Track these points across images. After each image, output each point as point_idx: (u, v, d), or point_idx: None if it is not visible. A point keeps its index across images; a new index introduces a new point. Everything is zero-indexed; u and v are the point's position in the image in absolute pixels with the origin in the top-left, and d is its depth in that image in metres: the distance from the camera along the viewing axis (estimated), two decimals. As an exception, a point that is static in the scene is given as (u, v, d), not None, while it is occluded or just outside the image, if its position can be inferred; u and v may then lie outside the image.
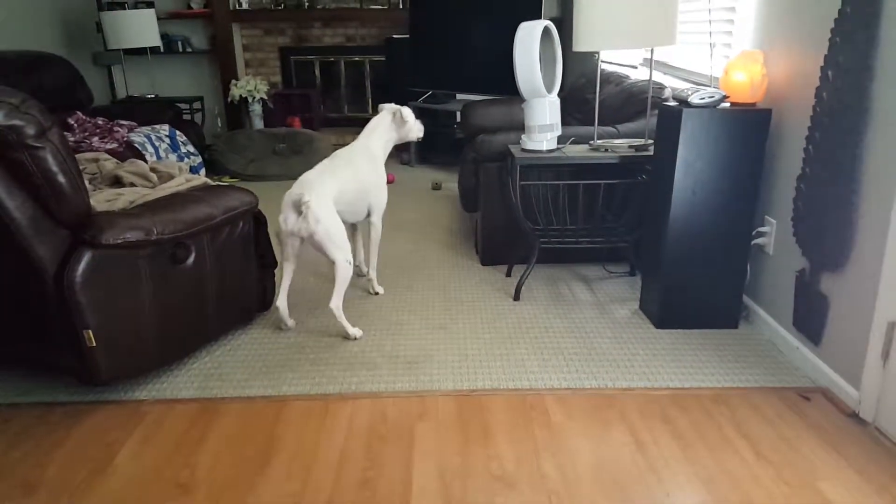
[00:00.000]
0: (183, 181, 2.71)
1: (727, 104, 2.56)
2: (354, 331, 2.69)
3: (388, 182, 5.54)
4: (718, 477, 1.87)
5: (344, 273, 2.63)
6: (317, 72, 6.92)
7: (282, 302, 2.72)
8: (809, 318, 2.37)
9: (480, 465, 1.92)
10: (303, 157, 5.89)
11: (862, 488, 1.81)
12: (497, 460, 1.94)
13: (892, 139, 1.95)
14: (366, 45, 6.77)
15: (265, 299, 2.87)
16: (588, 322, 2.81)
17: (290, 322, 2.79)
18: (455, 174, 4.51)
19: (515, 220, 3.15)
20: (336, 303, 2.64)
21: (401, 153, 6.45)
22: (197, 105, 6.40)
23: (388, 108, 3.17)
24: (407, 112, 3.12)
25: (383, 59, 6.63)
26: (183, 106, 6.00)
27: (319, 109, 6.79)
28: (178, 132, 5.01)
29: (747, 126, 2.52)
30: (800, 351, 2.44)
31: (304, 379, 2.39)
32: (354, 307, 2.98)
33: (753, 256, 2.74)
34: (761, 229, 2.68)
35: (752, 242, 2.68)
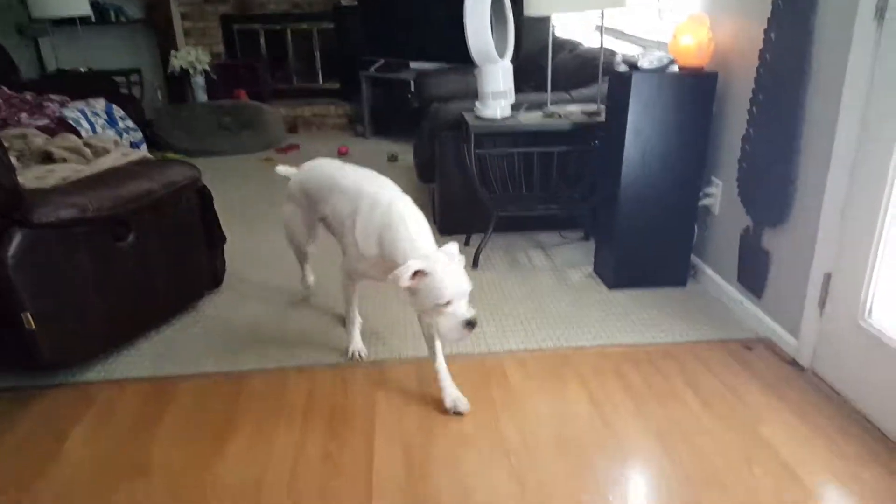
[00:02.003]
0: (119, 156, 2.61)
1: (675, 68, 2.61)
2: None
3: (342, 154, 5.53)
4: (668, 428, 1.95)
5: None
6: (262, 41, 6.73)
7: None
8: (752, 274, 2.47)
9: (441, 430, 1.95)
10: (252, 132, 5.76)
11: (800, 430, 1.92)
12: (457, 424, 1.98)
13: (829, 100, 2.02)
14: (313, 12, 6.60)
15: (216, 277, 2.83)
16: (544, 287, 2.86)
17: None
18: (411, 145, 4.47)
19: (472, 189, 3.16)
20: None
21: (355, 125, 6.38)
22: (134, 78, 6.15)
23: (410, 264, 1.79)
24: (404, 275, 1.76)
25: (332, 26, 6.49)
26: (119, 79, 5.75)
27: (267, 81, 6.62)
28: (115, 107, 4.81)
29: (694, 89, 2.57)
30: (743, 305, 2.54)
31: (262, 355, 2.37)
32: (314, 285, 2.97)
33: (700, 217, 2.83)
34: (708, 190, 2.76)
35: (700, 203, 2.77)
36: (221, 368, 2.29)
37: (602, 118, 2.95)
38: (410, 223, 1.93)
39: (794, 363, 2.24)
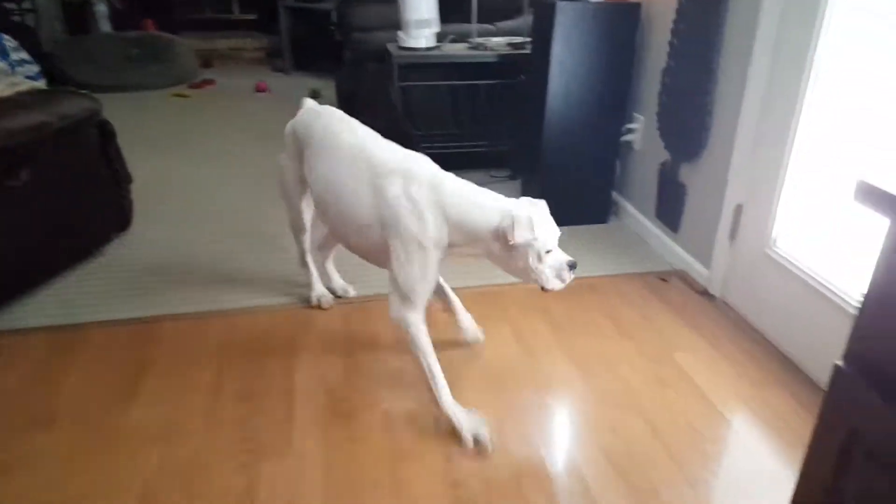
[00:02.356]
0: (5, 86, 2.38)
1: (599, -1, 2.57)
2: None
3: (260, 91, 5.28)
4: (588, 357, 2.01)
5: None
6: (172, -33, 6.27)
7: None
8: (670, 208, 2.53)
9: (367, 368, 1.94)
10: (163, 66, 5.40)
11: (711, 355, 2.01)
12: (384, 361, 1.97)
13: (745, 29, 2.04)
14: (226, -63, 6.18)
15: (124, 218, 2.67)
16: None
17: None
18: (334, 80, 4.31)
19: (398, 126, 3.08)
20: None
21: (275, 59, 6.07)
22: (27, 5, 5.62)
23: (494, 208, 1.60)
24: (522, 228, 1.53)
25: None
26: (10, 6, 5.24)
27: (178, 10, 6.19)
28: (6, 37, 4.40)
29: (618, 19, 2.55)
30: (661, 239, 2.62)
31: (175, 299, 2.27)
32: (219, 226, 2.85)
33: (622, 153, 2.86)
34: (630, 126, 2.78)
35: (622, 139, 2.79)
36: (132, 314, 2.18)
37: (528, 50, 2.90)
38: (466, 186, 1.67)
39: (705, 293, 2.33)
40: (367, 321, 2.17)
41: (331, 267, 2.29)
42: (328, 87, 4.85)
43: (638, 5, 2.55)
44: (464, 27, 3.17)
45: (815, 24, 1.78)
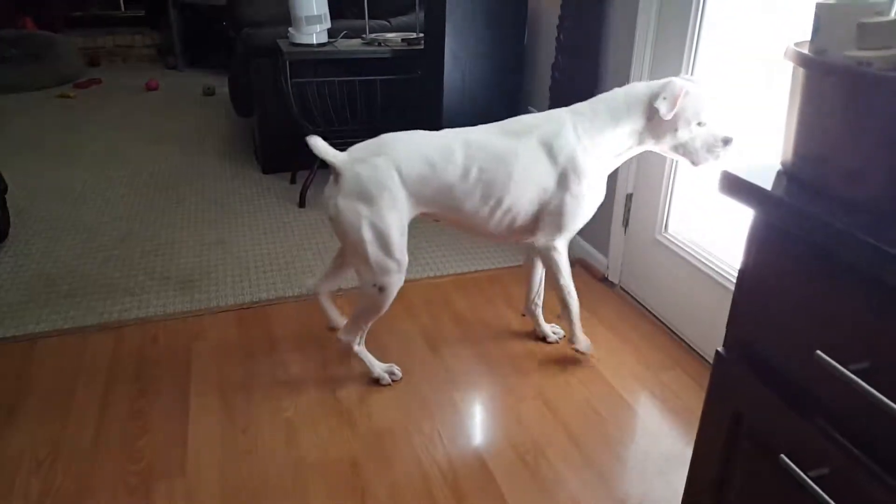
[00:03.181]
0: None
1: (489, -6, 2.58)
2: (380, 370, 1.86)
3: (151, 89, 5.00)
4: (491, 349, 2.02)
5: (370, 302, 1.72)
6: (48, -39, 5.83)
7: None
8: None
9: (265, 374, 1.87)
10: (43, 65, 5.03)
11: (611, 341, 2.07)
12: (282, 367, 1.90)
13: (624, 28, 2.10)
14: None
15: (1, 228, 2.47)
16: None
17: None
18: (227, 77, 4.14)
19: (295, 123, 2.99)
20: (347, 336, 1.81)
21: (166, 56, 5.78)
22: None
23: (641, 86, 1.67)
24: (672, 97, 1.58)
25: (130, -55, 5.76)
26: None
27: (58, 7, 5.78)
28: None
29: (507, 15, 2.58)
30: (562, 229, 2.67)
31: (57, 314, 2.11)
32: (106, 235, 2.68)
33: (522, 145, 2.89)
34: (527, 118, 2.82)
35: (520, 131, 2.82)
36: (10, 332, 2.01)
37: (422, 46, 2.88)
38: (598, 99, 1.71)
39: (605, 280, 2.40)
40: (266, 326, 2.09)
41: (329, 302, 2.01)
42: (222, 83, 4.66)
43: (525, 2, 2.59)
44: (357, 23, 3.11)
45: (691, 19, 1.85)
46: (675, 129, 1.62)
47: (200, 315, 2.14)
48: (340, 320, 1.97)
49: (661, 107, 1.57)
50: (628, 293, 2.31)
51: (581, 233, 2.53)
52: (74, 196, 3.03)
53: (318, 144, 1.61)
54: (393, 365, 1.88)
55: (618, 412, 1.77)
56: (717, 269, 1.88)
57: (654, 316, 2.18)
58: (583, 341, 1.94)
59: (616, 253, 2.33)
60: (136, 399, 1.76)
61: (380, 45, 2.91)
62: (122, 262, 2.44)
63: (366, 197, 1.60)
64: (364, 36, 2.99)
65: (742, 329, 0.89)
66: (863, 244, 0.65)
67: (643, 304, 2.24)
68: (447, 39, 2.52)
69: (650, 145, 1.69)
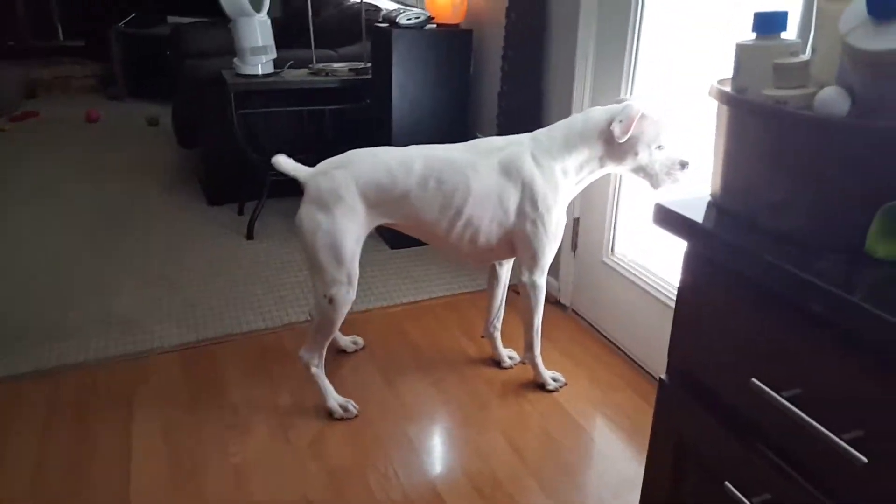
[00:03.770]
0: None
1: (434, 25, 2.61)
2: (334, 402, 1.84)
3: (92, 120, 4.87)
4: (445, 375, 2.01)
5: (322, 315, 1.73)
6: (-20, -9, 5.67)
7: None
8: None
9: (212, 417, 1.81)
10: (-25, 97, 4.86)
11: (565, 365, 2.08)
12: (230, 409, 1.85)
13: (565, 55, 2.15)
14: (45, -42, 5.69)
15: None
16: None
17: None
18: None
19: (241, 154, 2.94)
20: (307, 355, 1.80)
21: (108, 86, 5.65)
22: None
23: (600, 111, 1.69)
24: (628, 120, 1.59)
25: (69, -25, 5.65)
26: None
27: (-9, 37, 5.61)
28: None
29: (452, 46, 2.61)
30: (513, 254, 2.69)
31: (-11, 361, 2.01)
32: (42, 275, 2.58)
33: (471, 171, 2.91)
34: (475, 145, 2.84)
35: (468, 158, 2.84)
36: (-67, 386, 1.90)
37: (370, 75, 2.89)
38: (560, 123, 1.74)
39: (557, 303, 2.42)
40: (213, 366, 2.03)
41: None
42: (166, 113, 4.57)
43: (469, 32, 2.63)
44: (304, 53, 3.10)
45: (628, 38, 1.91)
46: (636, 153, 1.64)
47: (143, 357, 2.06)
48: (344, 340, 2.12)
49: (616, 129, 1.59)
50: (580, 315, 2.34)
51: (531, 257, 2.56)
52: (8, 235, 2.91)
53: (283, 161, 1.71)
54: (349, 401, 1.85)
55: (574, 438, 1.78)
56: (662, 290, 1.92)
57: (606, 337, 2.21)
58: (549, 380, 1.95)
59: (567, 276, 2.36)
60: (74, 448, 1.68)
61: (327, 74, 2.91)
62: (59, 303, 2.34)
63: (323, 206, 1.65)
64: (311, 66, 2.98)
65: (682, 356, 0.91)
66: (788, 275, 0.67)
67: (595, 325, 2.27)
68: (394, 69, 2.54)
69: (611, 168, 1.72)
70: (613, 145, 1.64)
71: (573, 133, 1.68)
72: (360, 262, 1.70)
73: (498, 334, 2.06)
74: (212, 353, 2.09)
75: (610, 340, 2.19)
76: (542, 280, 1.80)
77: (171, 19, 5.16)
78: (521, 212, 1.70)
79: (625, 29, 1.90)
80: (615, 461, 1.71)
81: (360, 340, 2.16)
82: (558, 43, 2.21)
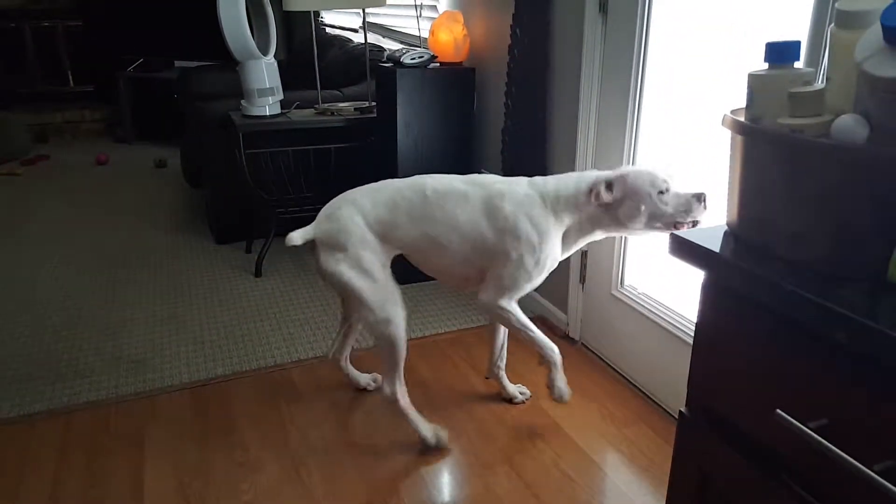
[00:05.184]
0: None
1: (437, 64, 2.66)
2: (427, 431, 1.84)
3: (101, 163, 4.93)
4: (455, 412, 1.99)
5: (384, 341, 1.76)
6: (-6, 41, 5.79)
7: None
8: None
9: (221, 456, 1.79)
10: (-13, 142, 4.93)
11: (577, 399, 2.05)
12: (241, 447, 1.83)
13: (570, 91, 2.18)
14: (56, 7, 5.82)
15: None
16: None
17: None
18: (179, 149, 4.13)
19: (247, 193, 2.97)
20: (389, 388, 1.80)
21: (116, 130, 5.74)
22: None
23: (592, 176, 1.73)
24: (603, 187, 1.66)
25: (80, 23, 5.77)
26: None
27: (5, 85, 5.72)
28: None
29: (455, 84, 2.65)
30: (521, 288, 2.69)
31: (2, 400, 2.00)
32: (54, 316, 2.59)
33: (477, 206, 2.93)
34: (481, 180, 2.87)
35: (474, 193, 2.86)
36: (-57, 428, 1.89)
37: (375, 114, 2.93)
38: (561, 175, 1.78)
39: (566, 337, 2.41)
40: (223, 404, 2.01)
41: (350, 366, 2.10)
42: (174, 155, 4.63)
43: (472, 70, 2.68)
44: (309, 93, 3.16)
45: (632, 72, 1.93)
46: (638, 208, 1.62)
47: (154, 395, 2.05)
48: (364, 378, 2.10)
49: (600, 190, 1.63)
50: (590, 349, 2.32)
51: (540, 290, 2.55)
52: (21, 276, 2.92)
53: (295, 236, 1.73)
54: (440, 427, 1.84)
55: (587, 474, 1.75)
56: (674, 323, 1.91)
57: (617, 371, 2.19)
58: (561, 389, 1.85)
59: (575, 309, 2.35)
60: (87, 488, 1.67)
61: (333, 114, 2.95)
62: (71, 343, 2.34)
63: (337, 245, 1.71)
64: (317, 106, 3.03)
65: (702, 389, 0.90)
66: (810, 303, 0.67)
67: (605, 359, 2.25)
68: (399, 107, 2.58)
69: (617, 231, 1.72)
70: (608, 210, 1.66)
71: (563, 195, 1.70)
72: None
73: (502, 373, 2.04)
74: (222, 390, 2.08)
75: (621, 374, 2.17)
76: (507, 303, 1.76)
77: (179, 63, 5.26)
78: (502, 240, 1.71)
79: (629, 62, 1.92)
80: (631, 498, 1.67)
81: (379, 377, 2.12)
82: (561, 78, 2.24)
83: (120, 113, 5.61)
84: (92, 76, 5.98)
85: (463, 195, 1.74)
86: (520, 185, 1.75)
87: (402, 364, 1.77)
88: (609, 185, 1.64)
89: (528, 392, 2.06)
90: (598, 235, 1.76)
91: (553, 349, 1.83)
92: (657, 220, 1.63)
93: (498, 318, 1.82)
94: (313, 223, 1.75)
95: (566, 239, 1.76)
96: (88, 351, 2.30)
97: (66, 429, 1.89)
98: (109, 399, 2.03)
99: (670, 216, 1.62)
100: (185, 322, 2.51)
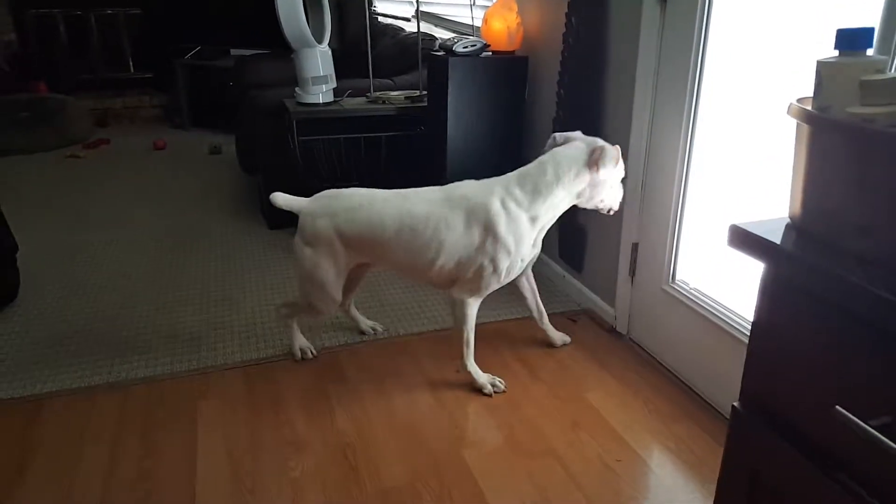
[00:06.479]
0: None
1: (490, 52, 2.66)
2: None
3: (159, 148, 5.10)
4: (500, 402, 1.99)
5: (306, 306, 2.09)
6: (62, 28, 6.02)
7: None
8: (571, 249, 2.59)
9: (270, 434, 1.84)
10: (53, 127, 5.15)
11: (621, 393, 2.04)
12: (289, 426, 1.88)
13: (625, 81, 2.15)
14: (119, -5, 6.02)
15: (8, 291, 2.48)
16: (379, 276, 2.81)
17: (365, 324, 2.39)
18: (234, 136, 4.22)
19: (300, 179, 3.03)
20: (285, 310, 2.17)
21: (172, 116, 5.91)
22: None
23: (582, 141, 1.92)
24: (610, 156, 1.84)
25: (139, 11, 5.96)
26: None
27: (69, 71, 5.95)
28: None
29: (507, 73, 2.64)
30: (566, 279, 2.67)
31: (65, 374, 2.10)
32: (114, 294, 2.69)
33: (525, 197, 2.92)
34: (530, 171, 2.85)
35: (523, 184, 2.85)
36: (17, 392, 2.00)
37: (425, 103, 2.95)
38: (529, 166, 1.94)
39: (613, 331, 2.38)
40: (272, 383, 2.07)
41: (355, 311, 2.37)
42: (228, 142, 4.75)
43: (525, 59, 2.66)
44: (362, 82, 3.19)
45: (691, 64, 1.89)
46: (612, 185, 1.91)
47: (207, 373, 2.12)
48: (366, 324, 2.36)
49: (606, 166, 1.83)
50: (637, 344, 2.30)
51: (587, 283, 2.54)
52: (83, 255, 3.05)
53: (279, 199, 1.99)
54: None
55: (631, 468, 1.74)
56: (727, 320, 1.87)
57: (665, 367, 2.16)
58: (486, 384, 2.03)
59: (623, 303, 2.32)
60: (142, 459, 1.74)
61: (384, 102, 2.98)
62: (129, 320, 2.44)
63: (308, 243, 1.95)
64: (369, 94, 3.06)
65: (757, 384, 0.88)
66: (876, 298, 0.65)
67: (653, 355, 2.22)
68: (449, 97, 2.58)
69: (584, 202, 1.93)
70: (595, 185, 1.87)
71: (546, 181, 1.84)
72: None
73: (546, 321, 2.27)
74: (271, 370, 2.14)
75: (669, 370, 2.14)
76: (474, 302, 1.97)
77: (234, 52, 5.38)
78: (482, 250, 1.86)
79: (688, 54, 1.88)
80: (677, 493, 1.65)
81: (379, 327, 2.38)
82: (616, 69, 2.21)
83: (177, 99, 5.77)
84: (151, 63, 6.17)
85: (444, 219, 1.86)
86: (495, 194, 1.86)
87: (310, 308, 2.05)
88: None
89: (568, 339, 2.30)
90: (562, 212, 1.93)
91: (477, 373, 2.05)
92: (609, 196, 1.94)
93: (459, 314, 1.98)
94: (305, 202, 1.97)
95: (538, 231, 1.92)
96: (146, 328, 2.39)
97: (123, 402, 1.98)
98: (165, 374, 2.11)
99: (616, 201, 1.97)
100: (237, 304, 2.58)
